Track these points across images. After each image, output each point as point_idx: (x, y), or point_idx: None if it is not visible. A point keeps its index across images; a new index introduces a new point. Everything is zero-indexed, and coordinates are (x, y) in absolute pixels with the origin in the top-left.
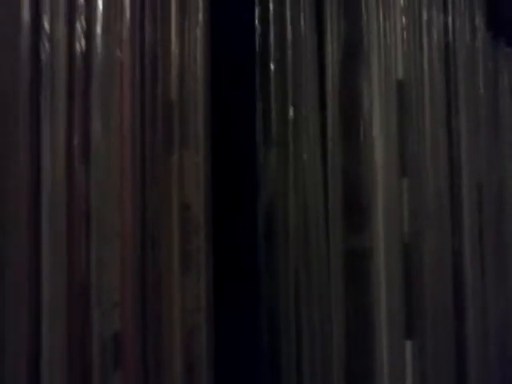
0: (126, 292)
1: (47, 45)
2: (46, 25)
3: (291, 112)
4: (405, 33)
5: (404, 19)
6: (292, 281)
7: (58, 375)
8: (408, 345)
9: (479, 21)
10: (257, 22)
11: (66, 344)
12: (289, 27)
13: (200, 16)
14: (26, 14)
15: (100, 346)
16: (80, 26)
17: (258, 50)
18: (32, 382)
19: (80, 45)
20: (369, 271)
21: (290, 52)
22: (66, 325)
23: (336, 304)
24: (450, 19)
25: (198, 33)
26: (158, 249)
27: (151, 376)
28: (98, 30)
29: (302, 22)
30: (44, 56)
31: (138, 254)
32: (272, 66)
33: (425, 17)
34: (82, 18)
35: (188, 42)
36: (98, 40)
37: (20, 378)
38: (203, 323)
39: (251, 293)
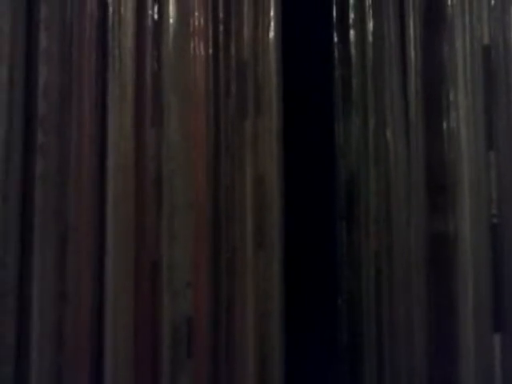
0: (200, 271)
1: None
2: None
3: (370, 80)
4: None
5: None
6: (372, 265)
7: (123, 364)
8: (497, 338)
9: None
10: None
11: (133, 328)
12: None
13: None
14: None
15: (172, 331)
16: None
17: (335, 13)
18: (96, 370)
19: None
20: (454, 256)
21: (369, 19)
22: (132, 309)
23: (418, 292)
24: None
25: None
26: (232, 224)
27: (222, 366)
28: None
29: None
30: (112, 14)
31: (211, 229)
32: (352, 32)
33: None
34: None
35: (262, 2)
36: (172, 2)
37: (83, 367)
38: (275, 309)
39: (329, 277)
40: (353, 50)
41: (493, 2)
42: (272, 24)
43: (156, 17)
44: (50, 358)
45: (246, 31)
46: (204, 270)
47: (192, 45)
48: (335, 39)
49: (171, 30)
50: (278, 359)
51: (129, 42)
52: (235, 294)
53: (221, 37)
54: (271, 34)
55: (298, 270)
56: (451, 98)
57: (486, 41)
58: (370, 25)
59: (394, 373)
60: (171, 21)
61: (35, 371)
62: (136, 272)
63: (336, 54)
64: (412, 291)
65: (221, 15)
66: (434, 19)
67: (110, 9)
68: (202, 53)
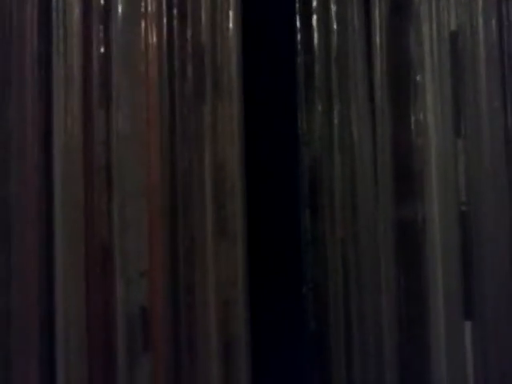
0: (155, 259)
1: None
2: None
3: (334, 67)
4: None
5: None
6: (339, 253)
7: (75, 356)
8: (467, 326)
9: None
10: None
11: (85, 320)
12: None
13: None
14: None
15: (126, 322)
16: None
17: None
18: (47, 365)
19: None
20: (422, 243)
21: (333, 3)
22: (83, 297)
23: (386, 279)
24: None
25: None
26: (190, 212)
27: (184, 357)
28: None
29: None
30: None
31: (167, 217)
32: (314, 18)
33: None
34: None
35: None
36: None
37: (32, 361)
38: (240, 297)
39: (294, 265)
40: (316, 36)
41: None
42: (231, 7)
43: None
44: None
45: (204, 14)
46: (160, 259)
47: (143, 27)
48: (298, 24)
49: (120, 11)
50: (244, 347)
51: (74, 22)
52: (195, 283)
53: (175, 20)
54: (231, 17)
55: (262, 258)
56: (418, 84)
57: (453, 27)
58: (334, 9)
59: (363, 360)
60: (119, 2)
61: None
62: (86, 259)
63: (299, 39)
64: (380, 279)
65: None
66: (401, 4)
67: None
68: (155, 36)
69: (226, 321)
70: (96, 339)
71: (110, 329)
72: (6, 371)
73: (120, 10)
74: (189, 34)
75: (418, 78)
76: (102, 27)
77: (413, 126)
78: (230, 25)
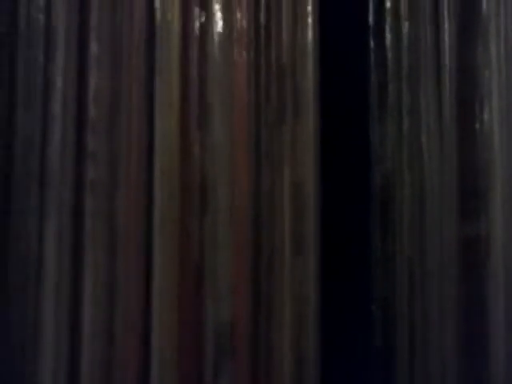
0: (242, 276)
1: (162, 10)
2: None
3: (405, 85)
4: None
5: None
6: (406, 271)
7: (168, 365)
8: None
9: None
10: None
11: (178, 333)
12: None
13: None
14: None
15: (215, 336)
16: None
17: (371, 20)
18: (143, 371)
19: (197, 11)
20: (486, 260)
21: (405, 23)
22: (177, 311)
23: (450, 296)
24: None
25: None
26: (271, 230)
27: (261, 368)
28: None
29: None
30: (159, 18)
31: (252, 235)
32: (388, 36)
33: None
34: None
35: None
36: (216, 6)
37: (131, 368)
38: (311, 313)
39: (363, 282)
40: (389, 55)
41: None
42: (310, 28)
43: (202, 21)
44: (101, 356)
45: (285, 36)
46: (245, 276)
47: (235, 50)
48: (371, 43)
49: (216, 34)
50: (314, 361)
51: (175, 46)
52: (274, 300)
53: (262, 41)
54: (309, 39)
55: (334, 275)
56: (485, 103)
57: None
58: (406, 29)
59: (426, 375)
60: (216, 26)
61: (86, 369)
62: (181, 275)
63: (372, 58)
64: (444, 296)
65: (262, 20)
66: (469, 23)
67: (158, 15)
68: (245, 57)
69: (298, 336)
70: (187, 351)
71: (201, 342)
72: (108, 380)
73: (216, 33)
74: (273, 55)
75: (485, 96)
76: (197, 51)
77: (479, 145)
78: (309, 46)
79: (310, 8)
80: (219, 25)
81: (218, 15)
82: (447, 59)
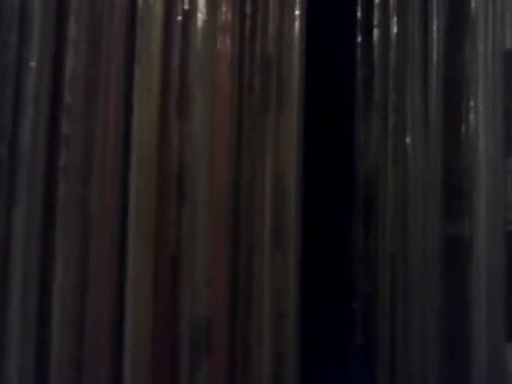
0: (219, 270)
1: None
2: None
3: (392, 81)
4: None
5: None
6: (388, 268)
7: (141, 358)
8: (510, 348)
9: None
10: None
11: (152, 325)
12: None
13: None
14: None
15: (190, 330)
16: None
17: (359, 15)
18: (115, 365)
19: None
20: (468, 261)
21: (393, 19)
22: (151, 305)
23: (432, 296)
24: None
25: None
26: (250, 222)
27: (239, 366)
28: None
29: None
30: (141, 2)
31: (231, 226)
32: (375, 32)
33: None
34: None
35: None
36: None
37: (103, 361)
38: (291, 310)
39: (345, 278)
40: (376, 50)
41: None
42: (297, 21)
43: (186, 7)
44: (71, 349)
45: (272, 27)
46: (223, 269)
47: (219, 39)
48: (358, 38)
49: (199, 23)
50: (294, 358)
51: (157, 32)
52: (253, 295)
53: (247, 32)
54: (296, 31)
55: (315, 271)
56: (471, 102)
57: (508, 46)
58: (394, 25)
59: (407, 375)
60: (200, 14)
61: (55, 360)
62: (156, 266)
63: (359, 53)
64: (426, 295)
65: (248, 10)
66: (457, 22)
67: (140, 0)
68: (229, 47)
69: (277, 331)
70: (161, 345)
71: (175, 337)
72: (78, 373)
73: (199, 21)
74: (258, 46)
75: (471, 96)
76: (180, 39)
77: (463, 144)
78: (295, 38)
79: (297, 0)
80: (203, 12)
81: (203, 2)
82: (435, 56)
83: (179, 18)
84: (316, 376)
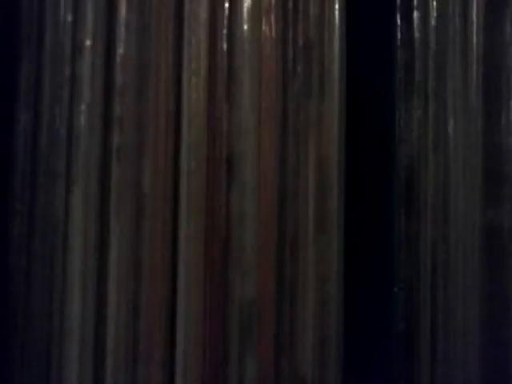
0: (266, 253)
1: None
2: None
3: (432, 64)
4: None
5: None
6: (429, 254)
7: (193, 337)
8: None
9: None
10: None
11: (203, 305)
12: None
13: None
14: None
15: (239, 313)
16: None
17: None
18: (168, 343)
19: None
20: (509, 247)
21: (433, 5)
22: (203, 284)
23: (473, 282)
24: None
25: None
26: (295, 207)
27: (284, 350)
28: None
29: None
30: None
31: (277, 210)
32: (415, 14)
33: None
34: None
35: None
36: None
37: (156, 339)
38: (335, 294)
39: (386, 264)
40: (416, 33)
41: None
42: (337, 3)
43: None
44: (125, 327)
45: (312, 10)
46: (270, 252)
47: (264, 22)
48: (398, 21)
49: (245, 6)
50: (337, 342)
51: (203, 18)
52: (298, 279)
53: (290, 15)
54: (336, 14)
55: (356, 256)
56: (511, 84)
57: None
58: (434, 7)
59: (447, 361)
60: None
61: (111, 339)
62: (207, 248)
63: (399, 36)
64: (466, 281)
65: None
66: (497, 2)
67: None
68: (273, 31)
69: (321, 316)
70: (213, 326)
71: (226, 318)
72: (133, 347)
73: (245, 4)
74: (300, 29)
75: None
76: (227, 21)
77: (504, 128)
78: (336, 21)
79: None
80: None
81: None
82: (474, 39)
83: (225, 3)
84: (358, 359)
